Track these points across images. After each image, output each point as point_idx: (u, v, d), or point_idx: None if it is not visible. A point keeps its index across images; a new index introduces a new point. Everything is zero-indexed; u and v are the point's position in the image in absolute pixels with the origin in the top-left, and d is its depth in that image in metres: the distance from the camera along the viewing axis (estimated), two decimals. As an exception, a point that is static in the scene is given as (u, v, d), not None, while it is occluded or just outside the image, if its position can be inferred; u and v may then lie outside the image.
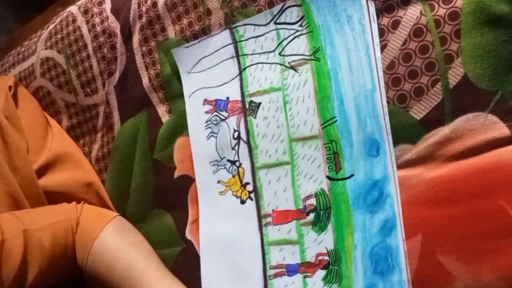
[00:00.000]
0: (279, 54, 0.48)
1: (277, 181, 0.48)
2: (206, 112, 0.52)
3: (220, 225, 0.51)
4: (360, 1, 0.43)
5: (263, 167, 0.49)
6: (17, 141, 0.56)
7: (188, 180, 0.54)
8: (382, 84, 0.42)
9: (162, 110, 0.57)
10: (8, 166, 0.53)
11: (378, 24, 0.43)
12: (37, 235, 0.49)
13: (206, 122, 0.52)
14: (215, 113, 0.52)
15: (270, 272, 0.47)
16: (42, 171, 0.58)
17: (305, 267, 0.45)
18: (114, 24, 0.61)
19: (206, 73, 0.53)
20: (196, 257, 0.52)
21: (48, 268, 0.49)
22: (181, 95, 0.55)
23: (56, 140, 0.62)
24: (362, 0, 0.43)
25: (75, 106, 0.66)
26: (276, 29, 0.48)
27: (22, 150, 0.56)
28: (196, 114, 0.53)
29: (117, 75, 0.61)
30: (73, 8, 0.66)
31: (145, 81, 0.58)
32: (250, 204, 0.49)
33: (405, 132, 0.41)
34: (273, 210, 0.48)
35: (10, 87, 0.63)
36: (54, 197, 0.58)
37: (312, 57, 0.46)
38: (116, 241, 0.53)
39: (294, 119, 0.47)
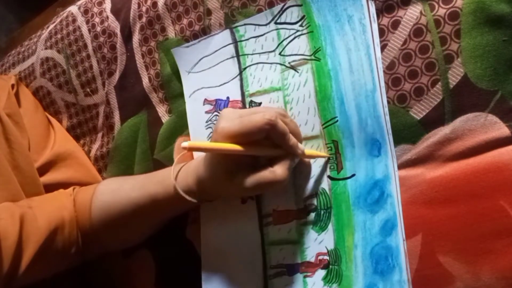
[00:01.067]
0: (280, 54, 0.48)
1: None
2: (206, 112, 0.52)
3: (220, 225, 0.50)
4: (360, 1, 0.43)
5: (263, 167, 0.48)
6: (19, 139, 0.56)
7: (189, 180, 0.54)
8: (383, 84, 0.42)
9: (162, 110, 0.57)
10: (9, 164, 0.53)
11: (378, 24, 0.43)
12: (31, 214, 0.49)
13: (207, 122, 0.52)
14: (216, 113, 0.52)
15: (270, 271, 0.47)
16: (43, 170, 0.58)
17: (305, 267, 0.45)
18: (114, 24, 0.61)
19: (206, 73, 0.53)
20: (197, 257, 0.52)
21: (44, 249, 0.48)
22: (181, 95, 0.55)
23: (58, 139, 0.62)
24: (363, 0, 0.43)
25: (75, 106, 0.66)
26: (277, 29, 0.48)
27: (24, 148, 0.56)
28: (196, 114, 0.53)
29: (117, 75, 0.61)
30: (73, 8, 0.66)
31: (145, 81, 0.58)
32: (251, 204, 0.49)
33: (405, 132, 0.41)
34: (273, 209, 0.48)
35: (12, 86, 0.63)
36: None
37: (313, 57, 0.46)
38: (116, 180, 0.55)
39: (295, 119, 0.47)
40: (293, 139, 0.43)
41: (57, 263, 0.52)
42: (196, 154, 0.52)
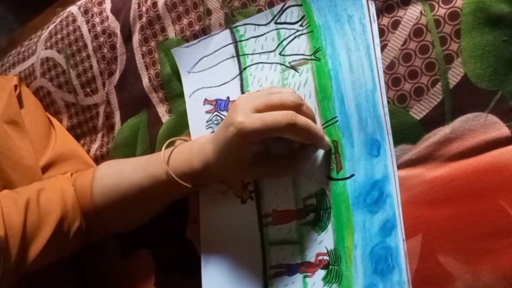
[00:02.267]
0: (280, 54, 0.48)
1: (278, 181, 0.47)
2: (206, 112, 0.52)
3: (221, 225, 0.50)
4: (360, 1, 0.43)
5: (263, 167, 0.48)
6: (8, 143, 0.55)
7: (188, 180, 0.54)
8: (383, 84, 0.42)
9: (162, 110, 0.57)
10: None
11: (378, 24, 0.43)
12: (34, 200, 0.49)
13: (207, 122, 0.52)
14: (216, 113, 0.52)
15: (270, 272, 0.47)
16: (45, 168, 0.58)
17: (305, 267, 0.45)
18: (114, 24, 0.61)
19: (206, 73, 0.53)
20: (197, 257, 0.52)
21: (52, 237, 0.48)
22: (181, 95, 0.55)
23: (59, 139, 0.62)
24: (363, 0, 0.43)
25: (75, 106, 0.65)
26: (277, 29, 0.48)
27: (15, 151, 0.56)
28: (196, 114, 0.53)
29: (117, 75, 0.61)
30: (73, 8, 0.66)
31: (145, 81, 0.58)
32: (251, 204, 0.49)
33: (405, 132, 0.41)
34: (273, 210, 0.48)
35: (15, 87, 0.63)
36: None
37: (313, 57, 0.46)
38: (115, 163, 0.54)
39: (295, 119, 0.46)
40: (315, 130, 0.42)
41: (63, 248, 0.52)
42: (194, 136, 0.52)
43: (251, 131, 0.40)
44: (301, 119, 0.41)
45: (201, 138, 0.49)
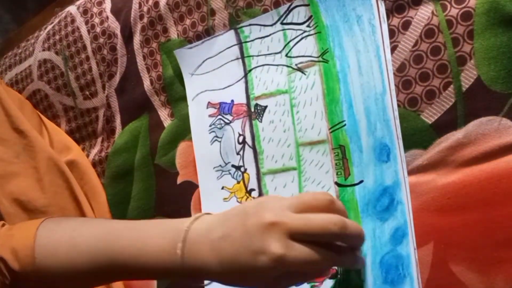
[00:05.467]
0: (286, 55, 0.47)
1: (284, 187, 0.47)
2: (210, 116, 0.52)
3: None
4: (370, 1, 0.42)
5: (269, 173, 0.48)
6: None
7: (191, 186, 0.53)
8: (393, 86, 0.42)
9: (164, 114, 0.56)
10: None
11: (388, 25, 0.42)
12: None
13: (210, 126, 0.52)
14: (219, 116, 0.51)
15: (276, 281, 0.46)
16: None
17: (313, 277, 0.44)
18: (114, 25, 0.60)
19: (210, 75, 0.52)
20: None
21: None
22: (183, 98, 0.54)
23: (57, 143, 0.61)
24: (372, 0, 0.42)
25: (73, 110, 0.65)
26: (283, 30, 0.47)
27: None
28: (199, 117, 0.53)
29: (117, 78, 0.60)
30: (72, 8, 0.66)
31: (147, 83, 0.58)
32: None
33: (416, 136, 0.40)
34: (279, 217, 0.47)
35: None
36: None
37: (320, 58, 0.45)
38: (61, 222, 0.42)
39: (301, 123, 0.46)
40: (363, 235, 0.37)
41: None
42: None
43: (292, 263, 0.33)
44: (352, 224, 0.35)
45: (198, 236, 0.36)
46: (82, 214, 0.55)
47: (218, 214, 0.37)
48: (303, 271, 0.35)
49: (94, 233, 0.40)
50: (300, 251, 0.33)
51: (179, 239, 0.35)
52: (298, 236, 0.34)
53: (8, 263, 0.39)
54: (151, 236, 0.37)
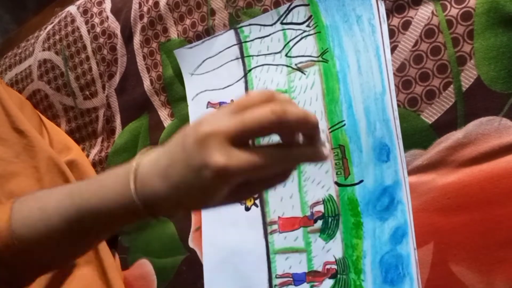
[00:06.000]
0: (286, 55, 0.47)
1: (283, 187, 0.47)
2: (209, 116, 0.52)
3: (224, 233, 0.50)
4: (369, 1, 0.42)
5: (268, 173, 0.48)
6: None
7: (191, 186, 0.53)
8: (393, 86, 0.41)
9: (164, 114, 0.56)
10: None
11: (388, 25, 0.42)
12: None
13: (210, 125, 0.52)
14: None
15: (276, 281, 0.46)
16: None
17: (312, 276, 0.44)
18: (114, 25, 0.60)
19: (209, 75, 0.52)
20: (200, 266, 0.51)
21: None
22: (183, 98, 0.54)
23: (56, 143, 0.61)
24: (372, 0, 0.42)
25: (73, 110, 0.65)
26: (283, 30, 0.47)
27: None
28: (199, 117, 0.52)
29: (117, 78, 0.60)
30: (72, 8, 0.66)
31: (147, 83, 0.58)
32: (255, 211, 0.48)
33: (416, 136, 0.40)
34: (279, 217, 0.47)
35: None
36: None
37: (320, 58, 0.45)
38: (31, 195, 0.41)
39: (301, 122, 0.46)
40: (313, 118, 0.32)
41: None
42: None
43: (237, 172, 0.31)
44: (294, 110, 0.31)
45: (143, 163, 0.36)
46: None
47: (163, 146, 0.36)
48: (255, 177, 0.32)
49: (59, 195, 0.39)
50: (244, 156, 0.30)
51: (131, 176, 0.35)
52: (238, 139, 0.31)
53: None
54: (108, 183, 0.37)
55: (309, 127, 0.33)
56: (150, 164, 0.35)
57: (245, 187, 0.33)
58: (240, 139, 0.31)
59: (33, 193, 0.42)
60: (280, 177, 0.34)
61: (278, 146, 0.32)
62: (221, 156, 0.30)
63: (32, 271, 0.42)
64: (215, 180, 0.31)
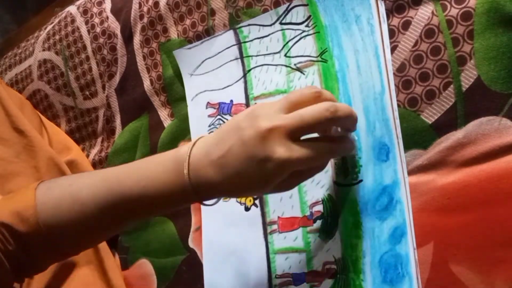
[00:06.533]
0: (285, 55, 0.47)
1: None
2: (209, 116, 0.52)
3: (224, 233, 0.50)
4: (368, 1, 0.42)
5: (268, 173, 0.47)
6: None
7: (191, 186, 0.53)
8: (392, 86, 0.41)
9: (164, 114, 0.56)
10: None
11: (388, 25, 0.42)
12: None
13: (209, 126, 0.52)
14: (219, 116, 0.51)
15: (276, 281, 0.46)
16: None
17: (312, 276, 0.44)
18: (114, 25, 0.60)
19: (209, 75, 0.52)
20: (200, 267, 0.51)
21: None
22: (183, 98, 0.54)
23: (56, 143, 0.61)
24: (371, 0, 0.42)
25: (73, 110, 0.65)
26: (282, 30, 0.47)
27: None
28: (198, 117, 0.52)
29: (117, 78, 0.60)
30: (72, 8, 0.66)
31: (147, 83, 0.57)
32: (255, 211, 0.48)
33: (416, 136, 0.40)
34: (278, 217, 0.47)
35: None
36: None
37: (319, 58, 0.45)
38: (57, 181, 0.41)
39: (301, 123, 0.46)
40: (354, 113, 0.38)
41: None
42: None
43: (297, 164, 0.35)
44: (342, 105, 0.37)
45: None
46: None
47: (211, 135, 0.38)
48: (307, 167, 0.37)
49: (92, 182, 0.39)
50: (303, 150, 0.34)
51: (183, 165, 0.36)
52: (296, 134, 0.35)
53: (12, 227, 0.37)
54: (154, 173, 0.38)
55: (353, 122, 0.38)
56: (201, 155, 0.37)
57: (294, 177, 0.36)
58: (299, 134, 0.35)
59: (57, 180, 0.41)
60: (319, 167, 0.38)
61: (325, 140, 0.37)
62: (284, 150, 0.34)
63: (53, 257, 0.41)
64: (277, 171, 0.34)
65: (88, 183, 0.39)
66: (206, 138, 0.38)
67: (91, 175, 0.41)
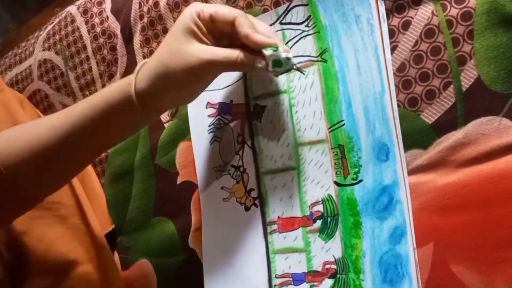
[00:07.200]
0: (285, 55, 0.47)
1: (283, 187, 0.46)
2: (209, 116, 0.52)
3: (224, 233, 0.49)
4: (368, 1, 0.42)
5: (268, 173, 0.48)
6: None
7: (191, 186, 0.53)
8: (392, 86, 0.41)
9: (164, 114, 0.56)
10: None
11: (388, 25, 0.42)
12: None
13: (209, 126, 0.51)
14: (219, 116, 0.51)
15: (276, 281, 0.46)
16: None
17: (312, 276, 0.44)
18: (114, 25, 0.60)
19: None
20: (200, 267, 0.51)
21: None
22: (183, 98, 0.54)
23: None
24: (371, 0, 0.42)
25: (73, 109, 0.65)
26: (282, 30, 0.47)
27: None
28: (198, 117, 0.52)
29: (117, 78, 0.60)
30: (72, 8, 0.66)
31: (146, 83, 0.57)
32: (255, 211, 0.48)
33: (416, 136, 0.40)
34: (278, 217, 0.47)
35: None
36: None
37: (319, 58, 0.45)
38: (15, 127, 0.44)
39: (300, 122, 0.46)
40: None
41: None
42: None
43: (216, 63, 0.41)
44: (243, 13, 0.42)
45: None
46: (83, 213, 0.55)
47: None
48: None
49: (51, 118, 0.42)
50: (219, 50, 0.40)
51: (132, 77, 0.41)
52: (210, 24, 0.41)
53: None
54: (105, 94, 0.42)
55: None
56: (145, 73, 0.41)
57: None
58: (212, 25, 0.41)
59: (18, 126, 0.44)
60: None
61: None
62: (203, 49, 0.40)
63: (19, 203, 0.43)
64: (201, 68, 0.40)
65: (47, 121, 0.43)
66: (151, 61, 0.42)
67: (50, 116, 0.44)
